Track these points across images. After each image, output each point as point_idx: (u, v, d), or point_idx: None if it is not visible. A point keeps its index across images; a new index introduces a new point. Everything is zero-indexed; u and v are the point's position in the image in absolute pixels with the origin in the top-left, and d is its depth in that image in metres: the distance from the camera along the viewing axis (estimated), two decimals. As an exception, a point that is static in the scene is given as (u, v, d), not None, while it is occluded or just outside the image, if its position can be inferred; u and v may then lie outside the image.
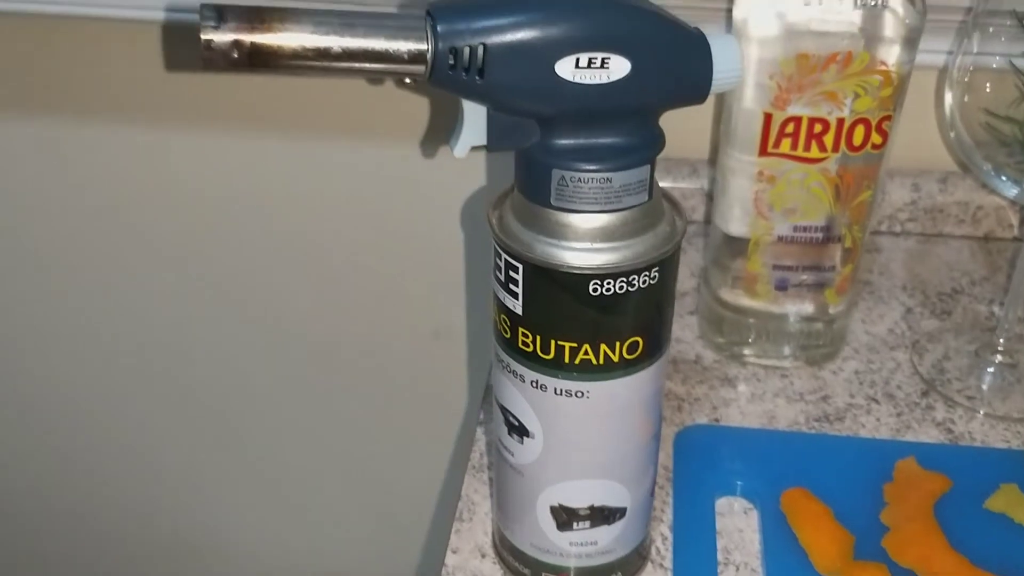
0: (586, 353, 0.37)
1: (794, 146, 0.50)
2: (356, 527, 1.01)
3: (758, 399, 0.56)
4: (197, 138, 0.77)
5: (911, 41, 0.49)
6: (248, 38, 0.31)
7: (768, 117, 0.50)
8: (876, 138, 0.50)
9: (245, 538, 1.05)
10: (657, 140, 0.35)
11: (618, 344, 0.37)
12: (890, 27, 0.48)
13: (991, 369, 0.58)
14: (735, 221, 0.55)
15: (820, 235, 0.53)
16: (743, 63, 0.35)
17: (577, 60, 0.32)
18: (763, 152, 0.51)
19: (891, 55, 0.48)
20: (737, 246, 0.55)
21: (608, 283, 0.35)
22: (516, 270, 0.36)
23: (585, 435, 0.39)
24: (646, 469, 0.42)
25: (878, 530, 0.46)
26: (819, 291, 0.56)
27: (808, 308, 0.57)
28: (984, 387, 0.57)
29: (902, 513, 0.47)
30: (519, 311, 0.37)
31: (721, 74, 0.35)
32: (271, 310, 0.86)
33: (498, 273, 0.37)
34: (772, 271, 0.55)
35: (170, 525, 1.05)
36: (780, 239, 0.54)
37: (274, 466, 0.98)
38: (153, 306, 0.88)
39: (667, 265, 0.36)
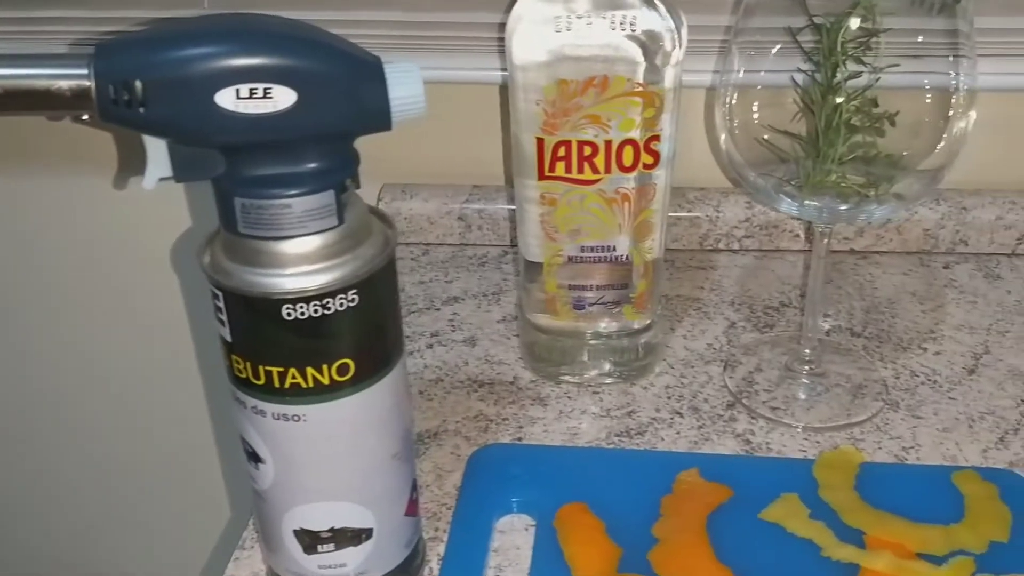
0: (294, 377, 0.37)
1: (568, 169, 0.52)
2: (150, 550, 1.01)
3: (565, 417, 0.57)
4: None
5: (669, 63, 0.50)
6: (-99, 82, 0.32)
7: (540, 142, 0.51)
8: (647, 158, 0.52)
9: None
10: (342, 166, 0.36)
11: (325, 367, 0.37)
12: (645, 50, 0.49)
13: (803, 380, 0.59)
14: (531, 246, 0.56)
15: (607, 255, 0.54)
16: (424, 90, 0.36)
17: (238, 91, 0.33)
18: (541, 176, 0.52)
19: (649, 77, 0.50)
20: (536, 269, 0.56)
21: (301, 307, 0.36)
22: (219, 298, 0.37)
23: (311, 458, 0.40)
24: (390, 489, 0.42)
25: (648, 543, 0.47)
26: (618, 308, 0.57)
27: (612, 326, 0.57)
28: (791, 398, 0.58)
29: (674, 525, 0.48)
30: (229, 339, 0.38)
31: (400, 102, 0.36)
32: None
33: (212, 303, 0.38)
34: (569, 292, 0.56)
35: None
36: (571, 260, 0.55)
37: (56, 471, 0.98)
38: None
39: (367, 287, 0.37)
